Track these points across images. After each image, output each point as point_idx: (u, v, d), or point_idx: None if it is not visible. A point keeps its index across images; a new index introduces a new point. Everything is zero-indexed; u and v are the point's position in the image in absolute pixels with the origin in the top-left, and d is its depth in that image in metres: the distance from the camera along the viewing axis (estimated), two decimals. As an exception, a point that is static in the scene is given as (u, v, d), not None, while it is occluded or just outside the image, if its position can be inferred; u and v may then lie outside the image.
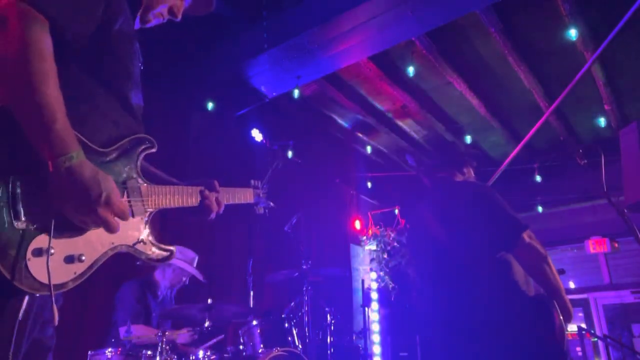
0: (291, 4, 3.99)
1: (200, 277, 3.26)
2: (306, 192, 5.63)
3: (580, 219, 6.78)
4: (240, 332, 3.13)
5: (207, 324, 2.79)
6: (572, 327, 4.33)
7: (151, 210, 1.19)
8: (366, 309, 5.19)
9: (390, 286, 6.49)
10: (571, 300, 1.97)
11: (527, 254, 1.93)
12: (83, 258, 1.00)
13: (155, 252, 1.17)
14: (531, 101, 5.18)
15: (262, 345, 2.97)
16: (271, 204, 1.77)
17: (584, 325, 6.20)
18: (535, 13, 4.05)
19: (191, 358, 2.75)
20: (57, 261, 0.95)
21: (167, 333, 2.54)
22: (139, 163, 1.17)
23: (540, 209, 6.91)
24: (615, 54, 4.40)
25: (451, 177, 2.29)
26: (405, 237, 6.52)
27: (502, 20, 4.02)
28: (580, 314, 6.49)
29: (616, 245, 6.64)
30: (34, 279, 0.91)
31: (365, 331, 4.64)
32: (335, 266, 5.70)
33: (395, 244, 6.51)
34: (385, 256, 6.50)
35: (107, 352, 2.52)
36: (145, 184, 1.18)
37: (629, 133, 2.65)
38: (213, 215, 1.37)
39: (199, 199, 1.33)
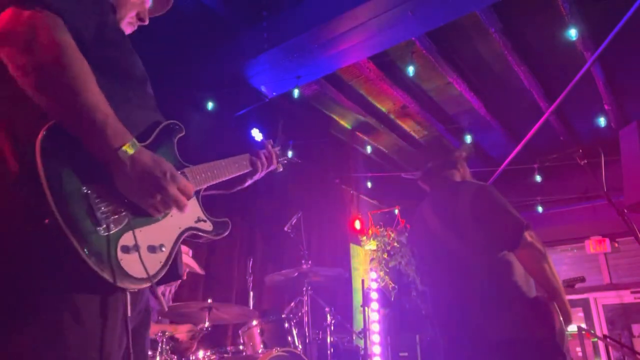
0: (291, 4, 3.99)
1: (198, 269, 3.26)
2: (306, 192, 5.63)
3: (580, 219, 6.78)
4: (240, 332, 3.13)
5: (207, 323, 2.79)
6: (572, 328, 4.33)
7: (201, 188, 1.26)
8: (366, 309, 5.18)
9: (390, 286, 6.49)
10: (571, 300, 1.97)
11: (528, 253, 1.93)
12: (163, 248, 1.05)
13: (212, 226, 1.24)
14: (531, 101, 5.18)
15: (262, 346, 2.97)
16: (287, 157, 1.86)
17: (584, 325, 6.20)
18: (535, 13, 4.05)
19: (191, 358, 2.75)
20: (144, 254, 1.00)
21: (166, 333, 2.54)
22: (176, 149, 1.21)
23: (540, 209, 6.91)
24: (615, 54, 4.40)
25: (449, 176, 2.29)
26: (405, 237, 6.52)
27: (502, 20, 4.02)
28: (580, 314, 6.49)
29: (616, 245, 6.64)
30: (131, 275, 0.95)
31: (365, 331, 4.64)
32: (336, 266, 5.71)
33: (395, 244, 6.51)
34: (385, 256, 6.50)
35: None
36: (189, 166, 1.23)
37: (629, 133, 2.65)
38: (259, 175, 1.54)
39: (245, 165, 1.48)
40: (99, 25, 1.09)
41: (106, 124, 0.93)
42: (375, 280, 6.34)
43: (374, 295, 6.18)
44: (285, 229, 3.84)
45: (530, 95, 5.08)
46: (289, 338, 3.06)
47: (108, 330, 0.93)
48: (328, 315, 3.70)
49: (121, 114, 0.99)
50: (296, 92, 4.52)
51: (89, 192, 0.93)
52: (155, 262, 1.02)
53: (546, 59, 4.60)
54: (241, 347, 3.01)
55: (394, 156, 6.75)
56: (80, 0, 1.06)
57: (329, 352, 3.52)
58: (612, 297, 6.43)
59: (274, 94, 4.65)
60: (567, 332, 1.91)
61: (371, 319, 5.93)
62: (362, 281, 5.55)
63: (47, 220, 0.86)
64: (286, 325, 3.10)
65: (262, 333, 3.03)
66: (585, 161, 2.48)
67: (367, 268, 6.59)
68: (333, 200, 6.34)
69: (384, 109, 5.60)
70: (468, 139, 6.03)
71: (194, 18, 3.81)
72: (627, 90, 5.12)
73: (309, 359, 3.23)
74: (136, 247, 0.98)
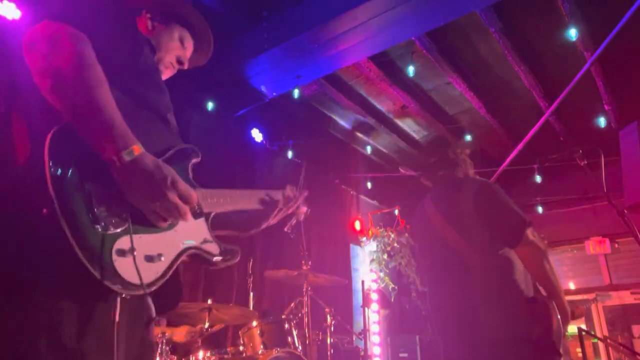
0: (291, 4, 3.99)
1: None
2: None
3: (580, 219, 6.77)
4: (240, 332, 3.12)
5: (206, 324, 2.78)
6: (571, 329, 4.32)
7: (210, 211, 1.26)
8: (366, 309, 5.18)
9: (390, 287, 6.49)
10: (571, 300, 1.97)
11: (529, 252, 1.93)
12: (162, 258, 1.04)
13: (220, 250, 1.23)
14: (531, 101, 5.18)
15: (262, 346, 2.96)
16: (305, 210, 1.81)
17: (584, 327, 6.19)
18: (535, 13, 4.05)
19: (191, 358, 2.75)
20: (140, 261, 0.98)
21: (165, 333, 2.53)
22: (189, 171, 1.23)
23: (540, 209, 6.91)
24: (615, 54, 4.40)
25: (452, 173, 2.28)
26: (405, 238, 6.52)
27: (502, 20, 4.02)
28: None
29: (616, 245, 6.64)
30: (123, 278, 0.94)
31: (365, 332, 4.63)
32: (336, 266, 5.70)
33: (395, 244, 6.51)
34: (385, 257, 6.49)
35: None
36: (201, 188, 1.24)
37: (629, 133, 2.65)
38: (273, 217, 1.53)
39: (258, 202, 1.47)
40: (130, 56, 1.17)
41: (112, 125, 0.97)
42: (375, 281, 6.33)
43: (374, 296, 6.17)
44: (285, 229, 3.82)
45: (530, 95, 5.08)
46: (289, 339, 3.06)
47: (91, 332, 0.93)
48: (328, 316, 3.70)
49: (137, 132, 1.03)
50: (296, 92, 4.52)
51: (91, 190, 0.95)
52: (151, 272, 1.01)
53: (546, 59, 4.60)
54: (241, 348, 3.01)
55: (394, 156, 6.75)
56: (111, 28, 1.16)
57: (329, 353, 3.52)
58: (612, 298, 6.42)
59: (274, 94, 4.65)
60: (567, 332, 1.91)
61: (371, 319, 5.92)
62: (362, 282, 5.55)
63: (45, 210, 0.88)
64: (286, 326, 3.09)
65: (262, 334, 3.03)
66: (585, 161, 2.47)
67: (367, 269, 6.59)
68: (333, 200, 6.34)
69: (384, 109, 5.60)
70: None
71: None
72: (627, 90, 5.11)
73: (309, 360, 3.22)
74: (132, 252, 0.96)
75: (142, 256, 1.00)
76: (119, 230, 0.97)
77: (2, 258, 0.91)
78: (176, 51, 1.43)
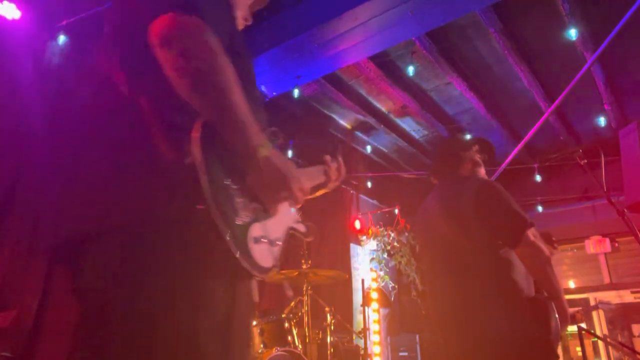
0: (291, 4, 3.99)
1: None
2: (306, 192, 5.62)
3: (580, 219, 6.78)
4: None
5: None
6: (572, 327, 4.33)
7: None
8: (366, 308, 5.18)
9: (390, 286, 6.49)
10: (571, 300, 1.97)
11: (529, 252, 1.92)
12: (278, 242, 1.13)
13: (305, 227, 1.33)
14: (531, 101, 5.18)
15: (262, 345, 2.97)
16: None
17: (584, 325, 6.20)
18: (535, 13, 4.05)
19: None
20: (266, 247, 1.07)
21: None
22: None
23: (540, 208, 6.91)
24: (615, 54, 4.40)
25: (459, 171, 2.27)
26: (405, 237, 6.52)
27: (502, 20, 4.02)
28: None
29: (616, 245, 6.64)
30: (260, 265, 1.02)
31: (365, 331, 4.63)
32: (336, 266, 5.71)
33: (395, 243, 6.51)
34: (385, 256, 6.50)
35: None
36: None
37: (629, 133, 2.66)
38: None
39: (324, 175, 1.52)
40: (231, 36, 1.16)
41: (249, 123, 1.01)
42: (375, 280, 6.34)
43: (374, 295, 6.18)
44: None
45: (530, 95, 5.08)
46: (289, 338, 3.06)
47: (239, 316, 1.00)
48: (328, 315, 3.70)
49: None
50: (296, 92, 4.52)
51: (230, 183, 1.01)
52: (273, 256, 1.10)
53: (546, 59, 4.60)
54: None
55: (394, 156, 6.76)
56: (222, 11, 1.14)
57: (329, 352, 3.52)
58: (612, 297, 6.42)
59: (273, 93, 4.65)
60: (566, 332, 1.91)
61: (371, 318, 5.93)
62: (362, 281, 5.55)
63: (200, 206, 0.92)
64: (286, 325, 3.10)
65: (262, 333, 3.04)
66: (585, 161, 2.48)
67: (367, 268, 6.59)
68: (333, 200, 6.34)
69: (384, 109, 5.60)
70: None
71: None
72: (627, 90, 5.12)
73: (309, 359, 3.23)
74: (264, 238, 1.06)
75: (267, 241, 1.08)
76: (249, 219, 1.04)
77: (161, 257, 0.94)
78: (246, 7, 1.37)
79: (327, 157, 1.53)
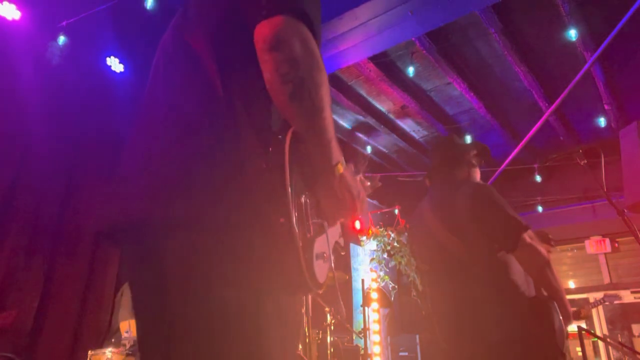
0: (291, 4, 3.99)
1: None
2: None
3: (580, 219, 6.78)
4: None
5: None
6: (570, 327, 4.33)
7: None
8: (366, 308, 5.19)
9: (390, 286, 6.49)
10: (571, 300, 1.97)
11: (528, 255, 1.92)
12: (329, 257, 1.12)
13: (342, 241, 1.32)
14: (531, 101, 5.18)
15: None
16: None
17: (584, 325, 6.20)
18: (535, 13, 4.06)
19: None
20: (322, 262, 1.05)
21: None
22: None
23: (540, 209, 6.92)
24: (615, 54, 4.40)
25: (453, 174, 2.27)
26: (405, 237, 6.52)
27: (502, 20, 4.02)
28: (580, 314, 6.48)
29: (616, 245, 6.65)
30: (318, 281, 1.00)
31: (365, 331, 4.64)
32: (335, 266, 5.70)
33: (395, 243, 6.52)
34: (385, 256, 6.50)
35: (107, 352, 2.53)
36: None
37: (629, 133, 2.66)
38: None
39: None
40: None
41: (333, 140, 1.02)
42: (375, 280, 6.34)
43: (374, 295, 6.18)
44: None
45: (530, 95, 5.08)
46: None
47: (290, 323, 0.99)
48: (328, 315, 3.71)
49: None
50: (296, 92, 4.52)
51: (305, 197, 1.00)
52: (325, 270, 1.08)
53: (546, 59, 4.60)
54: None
55: (393, 156, 6.76)
56: (319, 16, 1.10)
57: (329, 351, 3.53)
58: (612, 297, 6.42)
59: (274, 94, 4.65)
60: (566, 332, 1.91)
61: (371, 318, 5.93)
62: (362, 281, 5.56)
63: (282, 219, 0.89)
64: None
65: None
66: (585, 161, 2.48)
67: (367, 268, 6.59)
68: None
69: (383, 109, 5.61)
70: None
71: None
72: (627, 90, 5.12)
73: (309, 359, 3.23)
74: (324, 254, 1.05)
75: (325, 257, 1.07)
76: (313, 234, 1.02)
77: (238, 264, 0.92)
78: None
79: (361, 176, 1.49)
